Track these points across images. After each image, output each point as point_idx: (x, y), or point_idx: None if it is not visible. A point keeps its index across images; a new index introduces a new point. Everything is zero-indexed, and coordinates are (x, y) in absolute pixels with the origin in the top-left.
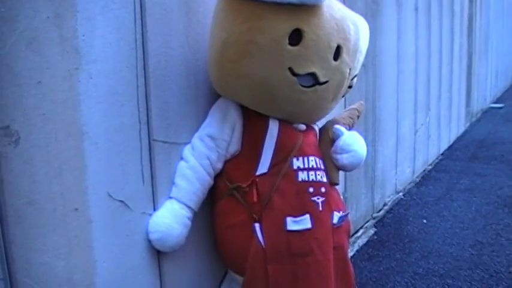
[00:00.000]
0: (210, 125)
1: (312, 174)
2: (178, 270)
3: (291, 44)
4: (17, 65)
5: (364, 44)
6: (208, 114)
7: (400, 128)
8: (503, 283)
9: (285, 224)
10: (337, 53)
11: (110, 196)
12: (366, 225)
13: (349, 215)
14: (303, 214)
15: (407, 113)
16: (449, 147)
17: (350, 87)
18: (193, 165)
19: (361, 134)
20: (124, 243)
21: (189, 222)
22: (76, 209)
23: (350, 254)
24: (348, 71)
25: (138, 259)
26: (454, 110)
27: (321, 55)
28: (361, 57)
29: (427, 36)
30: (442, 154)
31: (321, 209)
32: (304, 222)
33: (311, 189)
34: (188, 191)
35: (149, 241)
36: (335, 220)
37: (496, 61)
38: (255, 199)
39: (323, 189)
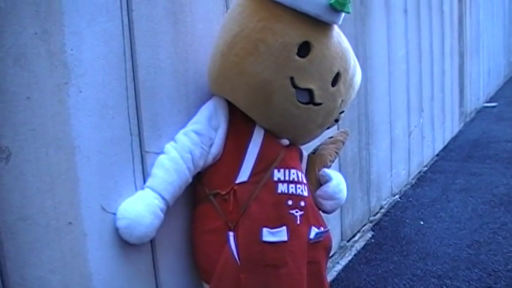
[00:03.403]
0: (197, 122)
1: (292, 187)
2: (174, 281)
3: (298, 54)
4: (5, 81)
5: (357, 84)
6: (197, 113)
7: (393, 130)
8: (502, 281)
9: (260, 234)
10: (336, 80)
11: (103, 209)
12: (363, 229)
13: (329, 231)
14: (280, 226)
15: (400, 115)
16: (444, 148)
17: (336, 120)
18: (173, 157)
19: (354, 138)
20: (119, 255)
21: (161, 214)
22: (70, 223)
23: (348, 258)
24: (340, 102)
25: (134, 270)
26: (448, 111)
27: (322, 75)
28: (352, 94)
29: (417, 38)
30: (437, 155)
31: (298, 222)
32: (280, 234)
33: (290, 202)
34: (164, 181)
35: (116, 230)
36: (312, 235)
37: (488, 60)
38: (231, 208)
39: (302, 203)
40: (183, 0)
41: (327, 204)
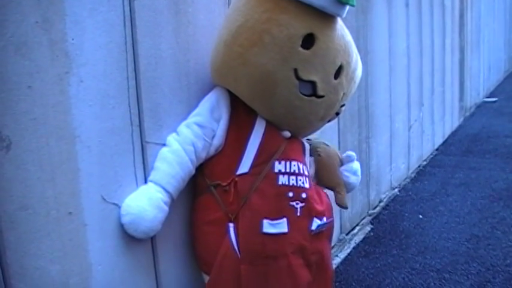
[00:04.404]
0: (199, 114)
1: (292, 179)
2: (174, 272)
3: (302, 46)
4: (6, 70)
5: (358, 77)
6: (199, 105)
7: (393, 124)
8: (500, 276)
9: (261, 225)
10: (338, 73)
11: (104, 199)
12: (362, 222)
13: (332, 221)
14: (281, 218)
15: (401, 108)
16: (444, 142)
17: (337, 113)
18: (176, 150)
19: (355, 131)
20: (119, 246)
21: (165, 207)
22: (70, 213)
23: (347, 251)
24: (342, 95)
25: (134, 261)
26: (448, 105)
27: (325, 67)
28: (354, 87)
29: (418, 32)
30: (436, 149)
31: (298, 214)
32: (280, 226)
33: (290, 194)
34: (167, 174)
35: (122, 225)
36: (313, 227)
37: (488, 55)
38: (231, 199)
39: (303, 195)
40: None
41: (350, 178)
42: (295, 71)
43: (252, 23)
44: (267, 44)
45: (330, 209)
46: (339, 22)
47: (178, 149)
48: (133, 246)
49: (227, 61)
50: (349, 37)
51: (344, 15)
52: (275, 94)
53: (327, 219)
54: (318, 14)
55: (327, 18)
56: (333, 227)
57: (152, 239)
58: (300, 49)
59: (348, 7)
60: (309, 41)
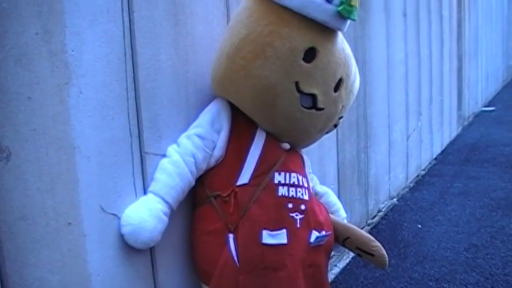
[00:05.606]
0: (200, 125)
1: (292, 191)
2: (173, 282)
3: (304, 59)
4: (6, 81)
5: (356, 89)
6: (199, 116)
7: (392, 133)
8: (499, 285)
9: (260, 236)
10: (338, 85)
11: (103, 209)
12: None
13: (331, 235)
14: (280, 229)
15: (399, 118)
16: (442, 152)
17: (335, 126)
18: (176, 161)
19: (353, 141)
20: (118, 256)
21: (164, 218)
22: (69, 223)
23: (346, 260)
24: (340, 107)
25: (133, 271)
26: (446, 114)
27: (325, 80)
28: (352, 99)
29: (416, 41)
30: (435, 158)
31: (298, 225)
32: (280, 237)
33: (290, 205)
34: (166, 185)
35: (122, 236)
36: (312, 239)
37: (486, 64)
38: (231, 210)
39: (303, 207)
40: (184, 2)
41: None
42: (297, 84)
43: (255, 36)
44: (270, 57)
45: (329, 222)
46: (340, 36)
47: (179, 160)
48: (132, 256)
49: (229, 73)
50: (348, 50)
51: (345, 29)
52: (276, 106)
53: (325, 232)
54: (320, 28)
55: (328, 32)
56: (332, 241)
57: (151, 249)
58: (302, 62)
59: (349, 21)
60: (310, 54)
